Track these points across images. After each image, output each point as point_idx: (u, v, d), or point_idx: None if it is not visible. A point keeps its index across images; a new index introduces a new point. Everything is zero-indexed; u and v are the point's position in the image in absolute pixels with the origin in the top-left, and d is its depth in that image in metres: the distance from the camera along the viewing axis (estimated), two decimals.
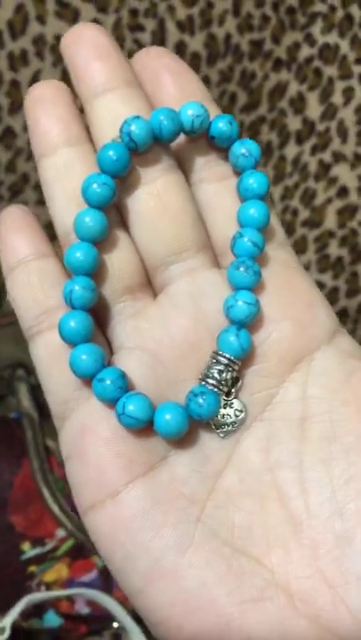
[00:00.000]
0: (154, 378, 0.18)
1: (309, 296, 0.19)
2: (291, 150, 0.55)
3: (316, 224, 0.56)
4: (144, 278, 0.19)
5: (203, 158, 0.19)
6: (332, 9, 0.51)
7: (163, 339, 0.18)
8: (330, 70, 0.53)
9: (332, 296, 0.57)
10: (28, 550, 0.39)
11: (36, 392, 0.40)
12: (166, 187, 0.18)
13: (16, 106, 0.46)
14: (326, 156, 0.54)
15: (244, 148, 0.19)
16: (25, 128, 0.46)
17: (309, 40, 0.52)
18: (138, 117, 0.18)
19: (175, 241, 0.18)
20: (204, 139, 0.19)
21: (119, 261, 0.18)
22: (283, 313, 0.18)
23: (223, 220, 0.19)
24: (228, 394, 0.18)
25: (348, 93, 0.53)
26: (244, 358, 0.18)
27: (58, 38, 0.45)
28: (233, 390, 0.18)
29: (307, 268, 0.57)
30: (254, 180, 0.19)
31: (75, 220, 0.18)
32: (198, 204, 0.19)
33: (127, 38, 0.47)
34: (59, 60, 0.46)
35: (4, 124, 0.46)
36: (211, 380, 0.18)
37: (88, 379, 0.18)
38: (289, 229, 0.56)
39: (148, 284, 0.19)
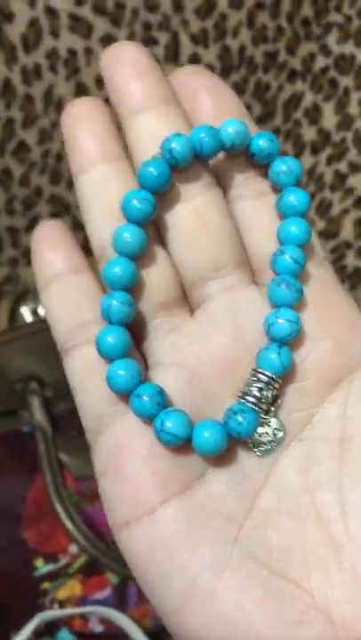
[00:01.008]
0: (191, 394, 0.18)
1: (350, 316, 0.19)
2: (306, 161, 0.54)
3: (333, 235, 0.55)
4: (181, 294, 0.19)
5: (241, 175, 0.19)
6: (348, 19, 0.51)
7: (201, 355, 0.18)
8: (346, 81, 0.52)
9: None
10: (42, 567, 0.38)
11: (49, 405, 0.40)
12: (205, 203, 0.19)
13: (29, 120, 0.46)
14: (342, 167, 0.54)
15: (285, 166, 0.19)
16: (38, 141, 0.47)
17: (325, 50, 0.52)
18: (179, 134, 0.18)
19: (213, 257, 0.18)
20: (242, 155, 0.19)
21: (156, 277, 0.19)
22: (323, 332, 0.18)
23: (261, 236, 0.19)
24: (267, 412, 0.18)
25: None
26: (285, 377, 0.18)
27: (71, 52, 0.45)
28: (272, 409, 0.18)
29: None
30: (295, 198, 0.19)
31: (114, 235, 0.18)
32: (236, 220, 0.19)
33: None
34: (72, 73, 0.46)
35: (18, 137, 0.46)
36: (250, 398, 0.18)
37: (125, 394, 0.18)
38: None
39: (185, 300, 0.19)
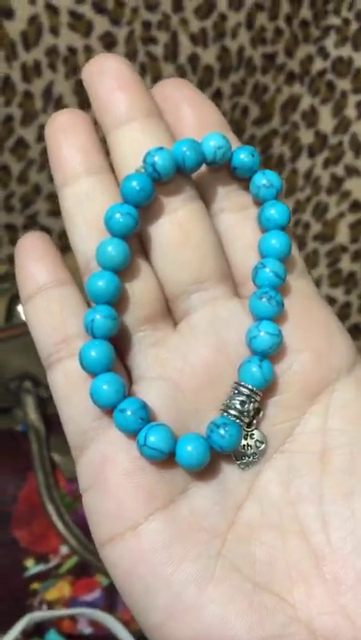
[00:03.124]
0: (175, 408, 0.18)
1: (329, 326, 0.19)
2: (303, 164, 0.54)
3: (328, 238, 0.55)
4: (164, 307, 0.19)
5: (223, 188, 0.19)
6: (346, 22, 0.51)
7: (184, 368, 0.18)
8: (343, 84, 0.52)
9: (343, 312, 0.56)
10: (32, 567, 0.38)
11: (44, 405, 0.40)
12: (188, 216, 0.19)
13: (29, 117, 0.46)
14: (339, 170, 0.54)
15: (266, 179, 0.19)
16: (37, 139, 0.47)
17: (323, 53, 0.52)
18: (161, 149, 0.18)
19: (196, 270, 0.19)
20: (224, 169, 0.19)
21: (140, 290, 0.19)
22: (303, 343, 0.18)
23: (243, 249, 0.19)
24: (249, 425, 0.18)
25: None
26: (266, 389, 0.18)
27: (71, 50, 0.45)
28: (254, 421, 0.18)
29: (318, 282, 0.56)
30: (276, 211, 0.19)
31: (97, 249, 0.18)
32: (219, 233, 0.19)
33: (140, 51, 0.47)
34: (72, 71, 0.46)
35: (17, 134, 0.46)
36: (232, 411, 0.18)
37: (109, 409, 0.18)
38: (300, 243, 0.56)
39: (169, 312, 0.19)
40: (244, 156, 0.19)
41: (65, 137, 0.19)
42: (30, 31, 0.43)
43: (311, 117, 0.53)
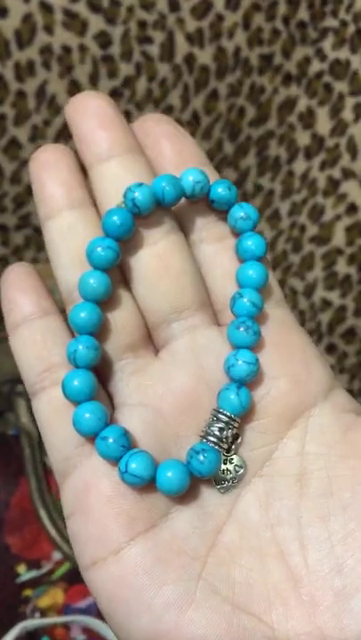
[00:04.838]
0: (155, 434, 0.19)
1: (306, 353, 0.19)
2: (299, 165, 0.54)
3: (325, 241, 0.55)
4: (146, 335, 0.20)
5: (202, 220, 0.20)
6: (344, 24, 0.51)
7: (165, 395, 0.19)
8: (340, 86, 0.52)
9: (339, 315, 0.56)
10: (24, 573, 0.38)
11: None
12: (168, 248, 0.19)
13: (22, 116, 0.45)
14: (336, 173, 0.54)
15: (243, 212, 0.20)
16: (31, 139, 0.46)
17: (320, 55, 0.52)
18: (141, 184, 0.19)
19: (176, 300, 0.19)
20: (202, 201, 0.20)
21: (121, 319, 0.19)
22: (281, 370, 0.19)
23: (222, 278, 0.20)
24: (228, 450, 0.19)
25: (359, 110, 0.53)
26: (244, 415, 0.19)
27: (65, 49, 0.44)
28: (233, 447, 0.19)
29: (314, 285, 0.56)
30: (253, 242, 0.20)
31: (79, 281, 0.19)
32: (198, 262, 0.20)
33: (135, 50, 0.46)
34: (66, 70, 0.45)
35: (9, 134, 0.45)
36: (212, 438, 0.18)
37: (91, 436, 0.18)
38: (296, 246, 0.56)
39: (150, 340, 0.20)
40: (221, 190, 0.20)
41: (48, 173, 0.20)
42: (24, 29, 0.43)
43: (308, 119, 0.53)
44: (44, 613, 0.37)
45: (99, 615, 0.38)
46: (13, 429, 0.40)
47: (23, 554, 0.38)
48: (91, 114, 0.20)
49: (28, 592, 0.38)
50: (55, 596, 0.38)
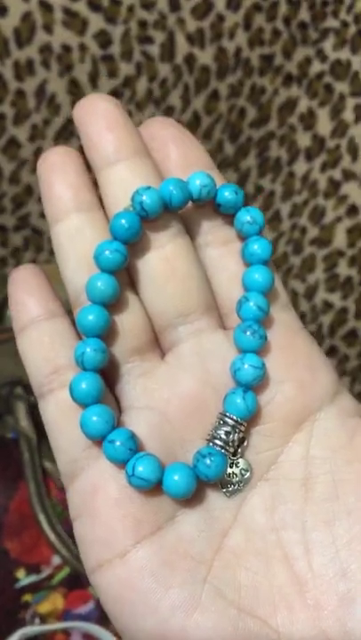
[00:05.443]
0: (162, 437, 0.19)
1: (312, 358, 0.19)
2: (300, 167, 0.54)
3: (326, 243, 0.55)
4: (152, 338, 0.20)
5: (208, 223, 0.20)
6: (345, 25, 0.51)
7: (171, 399, 0.19)
8: (341, 86, 0.52)
9: (340, 317, 0.56)
10: (23, 578, 0.37)
11: (35, 412, 0.39)
12: (175, 251, 0.19)
13: (21, 116, 0.45)
14: (336, 174, 0.53)
15: (249, 216, 0.20)
16: (30, 138, 0.46)
17: (321, 56, 0.52)
18: (149, 188, 0.19)
19: (182, 303, 0.19)
20: (209, 205, 0.20)
21: (129, 323, 0.19)
22: (286, 374, 0.19)
23: (228, 282, 0.20)
24: (234, 453, 0.19)
25: (360, 110, 0.52)
26: (250, 419, 0.19)
27: (65, 48, 0.44)
28: (239, 450, 0.19)
29: (315, 287, 0.56)
30: (259, 246, 0.20)
31: (87, 284, 0.19)
32: (204, 266, 0.20)
33: (135, 50, 0.46)
34: (66, 69, 0.45)
35: (9, 134, 0.45)
36: (218, 442, 0.18)
37: (98, 439, 0.18)
38: (297, 247, 0.55)
39: (157, 344, 0.20)
40: (228, 194, 0.20)
41: (56, 175, 0.20)
42: (23, 28, 0.43)
43: (309, 120, 0.53)
44: (43, 619, 0.37)
45: (99, 621, 0.37)
46: (12, 433, 0.39)
47: (22, 558, 0.38)
48: (98, 116, 0.20)
49: (27, 597, 0.37)
50: (55, 601, 0.38)
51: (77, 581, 0.37)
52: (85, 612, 0.38)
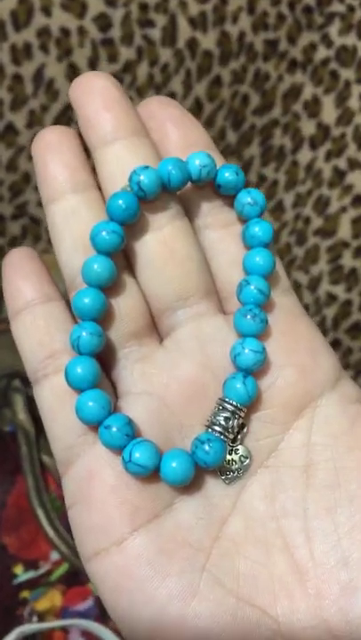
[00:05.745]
0: (160, 423, 0.18)
1: (313, 342, 0.19)
2: (304, 155, 0.53)
3: (330, 233, 0.54)
4: (150, 323, 0.19)
5: (208, 205, 0.20)
6: (351, 9, 0.50)
7: (169, 384, 0.19)
8: (347, 73, 0.51)
9: (344, 309, 0.55)
10: (21, 574, 0.37)
11: (33, 404, 0.38)
12: (173, 233, 0.19)
13: (18, 101, 0.44)
14: (341, 163, 0.53)
15: (250, 198, 0.19)
16: (28, 125, 0.45)
17: (326, 41, 0.51)
18: (147, 167, 0.19)
19: (181, 287, 0.19)
20: (209, 186, 0.20)
21: (126, 306, 0.19)
22: (287, 359, 0.19)
23: (228, 265, 0.20)
24: (233, 440, 0.18)
25: None
26: (250, 405, 0.18)
27: (64, 31, 0.43)
28: (239, 437, 0.18)
29: (318, 279, 0.55)
30: (260, 229, 0.19)
31: (83, 267, 0.18)
32: (204, 248, 0.20)
33: (136, 34, 0.45)
34: (64, 53, 0.44)
35: (6, 120, 0.44)
36: (217, 427, 0.18)
37: (94, 425, 0.18)
38: (301, 238, 0.55)
39: (154, 328, 0.20)
40: (228, 175, 0.19)
41: (51, 154, 0.19)
42: (20, 11, 0.42)
43: (313, 108, 0.52)
44: (41, 617, 0.37)
45: (98, 619, 0.37)
46: (10, 426, 0.39)
47: (20, 554, 0.37)
48: (95, 95, 0.19)
49: (25, 593, 0.37)
50: (53, 598, 0.37)
51: (76, 578, 0.37)
52: (84, 610, 0.38)
